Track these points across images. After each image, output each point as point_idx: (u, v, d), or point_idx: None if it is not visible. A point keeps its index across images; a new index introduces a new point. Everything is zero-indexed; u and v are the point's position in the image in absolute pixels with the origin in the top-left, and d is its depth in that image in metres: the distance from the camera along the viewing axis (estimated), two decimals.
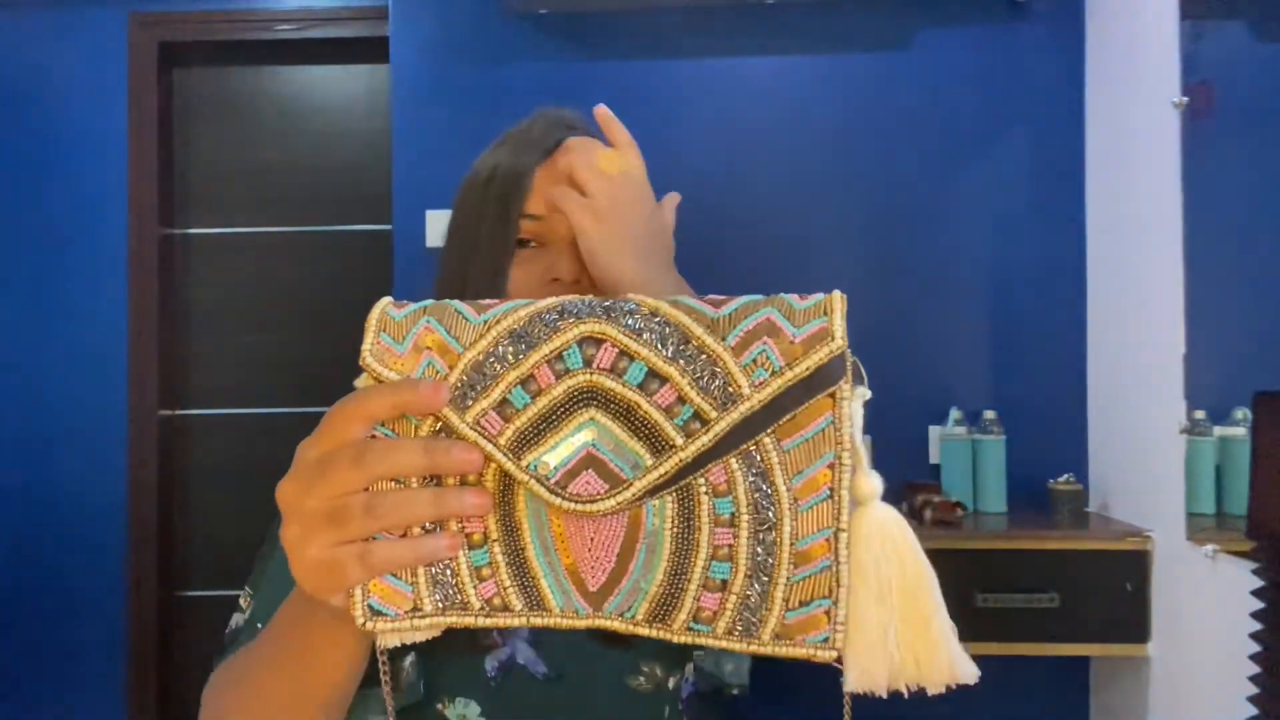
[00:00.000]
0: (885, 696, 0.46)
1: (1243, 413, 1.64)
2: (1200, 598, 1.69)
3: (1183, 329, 1.72)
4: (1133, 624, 1.86)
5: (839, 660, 0.46)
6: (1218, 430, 1.70)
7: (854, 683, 0.46)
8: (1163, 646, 1.83)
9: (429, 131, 2.40)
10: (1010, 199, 2.33)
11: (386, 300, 0.52)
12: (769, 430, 0.47)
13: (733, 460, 0.47)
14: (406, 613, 0.48)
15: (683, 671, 0.82)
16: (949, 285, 2.34)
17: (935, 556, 0.49)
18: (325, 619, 0.53)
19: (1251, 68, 1.72)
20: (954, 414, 2.21)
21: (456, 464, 0.47)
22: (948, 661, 0.46)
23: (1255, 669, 1.29)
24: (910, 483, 2.15)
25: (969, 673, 0.46)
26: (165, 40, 2.84)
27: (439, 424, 0.48)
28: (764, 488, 0.47)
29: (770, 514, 0.47)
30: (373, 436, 0.49)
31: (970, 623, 1.88)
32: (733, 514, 0.47)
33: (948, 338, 2.33)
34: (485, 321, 0.49)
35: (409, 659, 0.76)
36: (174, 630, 2.83)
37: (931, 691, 0.46)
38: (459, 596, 0.48)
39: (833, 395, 0.47)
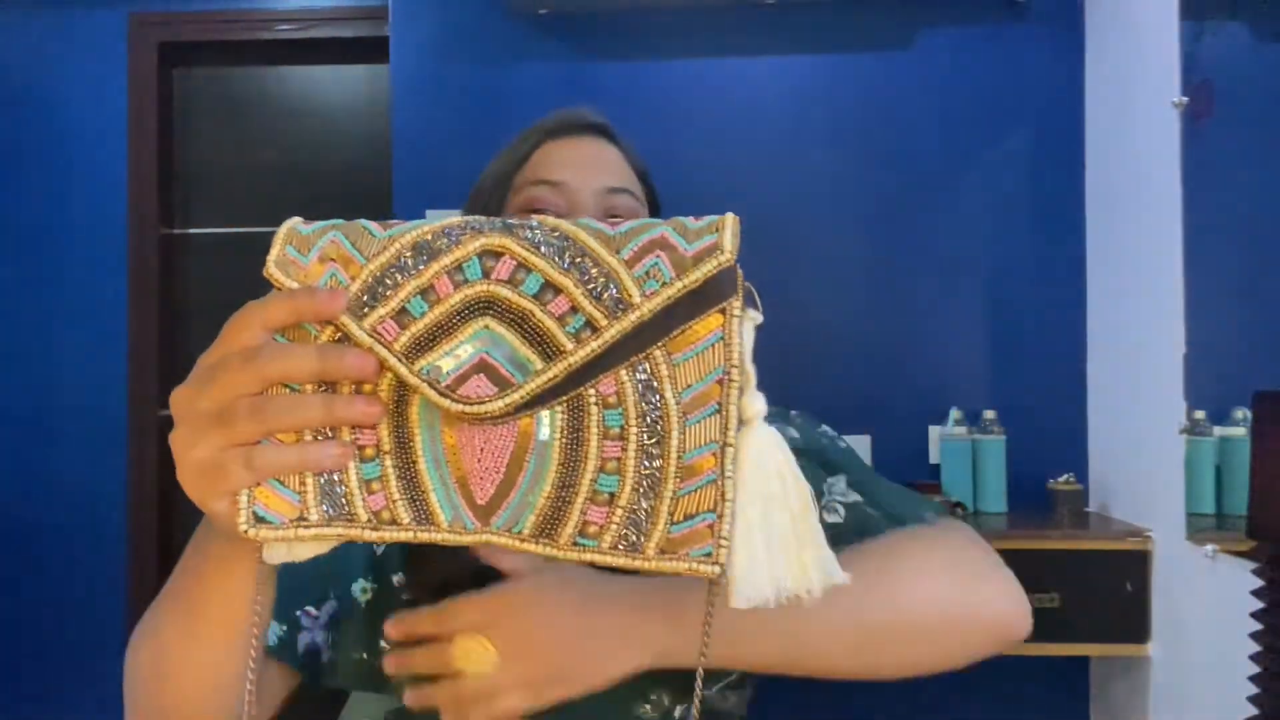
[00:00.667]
0: (772, 607, 0.46)
1: (1243, 413, 1.64)
2: (1200, 598, 1.69)
3: (1183, 329, 1.72)
4: (1133, 624, 1.86)
5: (719, 576, 0.45)
6: (1218, 430, 1.70)
7: (741, 598, 0.45)
8: (1163, 646, 1.83)
9: (429, 131, 2.40)
10: (1010, 199, 2.33)
11: (296, 219, 0.52)
12: (660, 344, 0.47)
13: (622, 372, 0.47)
14: (292, 521, 0.48)
15: (691, 700, 0.80)
16: (949, 285, 2.34)
17: None
18: (216, 548, 0.52)
19: (1251, 68, 1.72)
20: (954, 414, 2.21)
21: (350, 369, 0.47)
22: (823, 571, 0.47)
23: (1255, 669, 1.29)
24: (910, 483, 2.15)
25: (840, 576, 0.47)
26: (165, 40, 2.84)
27: (338, 333, 0.49)
28: (653, 400, 0.47)
29: (659, 427, 0.47)
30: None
31: None
32: (622, 426, 0.47)
33: (947, 337, 2.33)
34: (390, 235, 0.49)
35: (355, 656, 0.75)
36: None
37: (808, 601, 0.46)
38: (347, 508, 0.48)
39: (723, 311, 0.47)
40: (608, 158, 0.86)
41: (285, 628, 0.75)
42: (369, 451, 0.49)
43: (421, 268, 0.48)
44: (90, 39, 2.83)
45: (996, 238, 2.34)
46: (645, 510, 0.47)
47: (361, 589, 0.78)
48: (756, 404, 0.47)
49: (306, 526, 0.48)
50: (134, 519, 2.77)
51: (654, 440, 0.47)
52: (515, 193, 0.82)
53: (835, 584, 0.47)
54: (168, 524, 2.84)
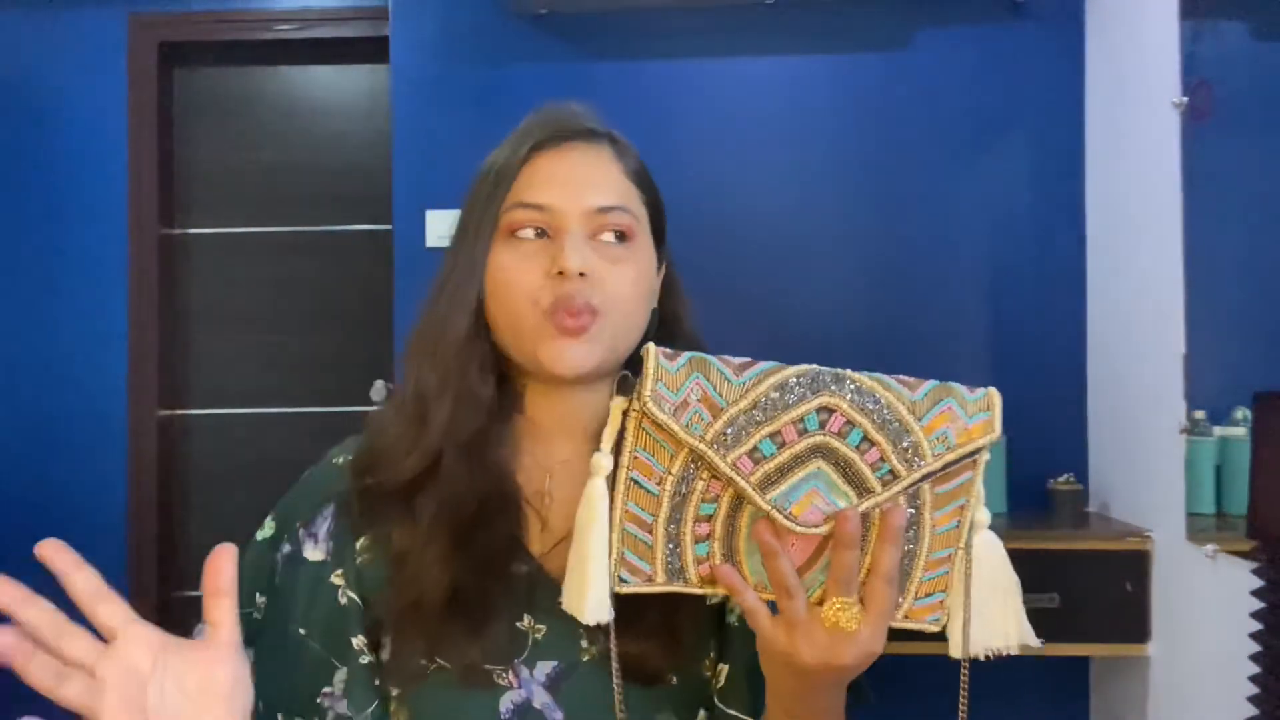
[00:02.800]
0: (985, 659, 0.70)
1: (1243, 413, 1.64)
2: (1200, 598, 1.69)
3: (1183, 329, 1.72)
4: (1133, 624, 1.86)
5: (942, 631, 0.70)
6: (1218, 430, 1.69)
7: (972, 649, 0.70)
8: (1163, 646, 1.83)
9: (429, 131, 2.40)
10: (1010, 199, 2.33)
11: (658, 350, 0.67)
12: (929, 480, 0.67)
13: (900, 497, 0.67)
14: (644, 580, 0.68)
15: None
16: (949, 285, 2.34)
17: None
18: None
19: (1251, 68, 1.72)
20: None
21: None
22: (1023, 634, 0.71)
23: (1255, 669, 1.29)
24: None
25: (1035, 640, 0.71)
26: (165, 40, 2.84)
27: (697, 460, 0.66)
28: (915, 517, 0.68)
29: (914, 532, 0.68)
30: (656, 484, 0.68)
31: None
32: None
33: (948, 338, 2.33)
34: (744, 384, 0.65)
35: (370, 709, 0.76)
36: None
37: (1012, 652, 0.71)
38: (682, 574, 0.68)
39: (974, 461, 0.68)
40: (598, 169, 0.82)
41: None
42: (701, 535, 0.68)
43: (769, 417, 0.64)
44: (90, 39, 2.83)
45: (996, 237, 2.34)
46: (901, 589, 0.68)
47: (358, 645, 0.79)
48: (985, 516, 0.70)
49: (653, 584, 0.68)
50: (134, 519, 2.77)
51: (911, 542, 0.68)
52: (505, 212, 0.80)
53: (1030, 645, 0.71)
54: (168, 524, 2.84)
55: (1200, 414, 1.71)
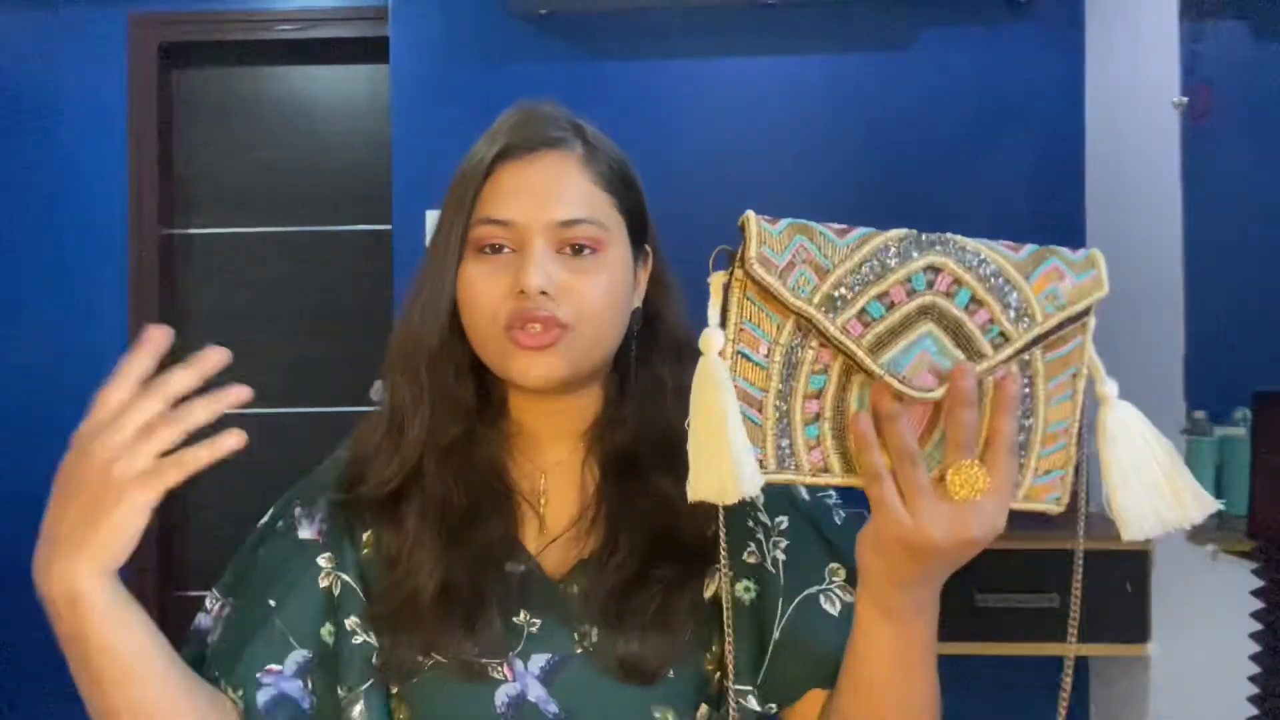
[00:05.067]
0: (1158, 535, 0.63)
1: (1243, 413, 1.64)
2: (1200, 598, 1.69)
3: (1183, 329, 1.72)
4: (1133, 624, 1.86)
5: (1066, 509, 0.65)
6: (1218, 430, 1.70)
7: (1131, 531, 0.62)
8: (1163, 646, 1.83)
9: (429, 131, 2.40)
10: (1010, 199, 2.33)
11: (757, 216, 0.65)
12: (1040, 344, 0.63)
13: (1013, 365, 0.63)
14: (759, 465, 0.62)
15: (695, 714, 0.80)
16: None
17: None
18: (102, 605, 0.69)
19: (1251, 68, 1.72)
20: None
21: (177, 389, 0.71)
22: (1196, 501, 0.63)
23: (1255, 669, 1.29)
24: None
25: (1210, 503, 0.63)
26: (165, 40, 2.84)
27: (808, 327, 0.62)
28: (1028, 387, 0.64)
29: (1028, 404, 0.64)
30: None
31: (970, 622, 1.88)
32: None
33: None
34: (849, 244, 0.62)
35: (357, 708, 0.77)
36: (174, 630, 2.83)
37: (1186, 526, 0.63)
38: (794, 460, 0.63)
39: (1083, 325, 0.65)
40: (563, 180, 0.79)
41: (241, 690, 0.77)
42: (810, 415, 0.63)
43: (877, 277, 0.61)
44: (90, 39, 2.83)
45: (996, 238, 2.33)
46: (1018, 465, 0.64)
47: (328, 631, 0.80)
48: (1110, 388, 0.66)
49: (767, 472, 0.62)
50: None
51: (1026, 415, 0.64)
52: (471, 227, 0.79)
53: (1211, 510, 0.63)
54: (167, 523, 2.84)
55: (1200, 414, 1.71)
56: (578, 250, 0.78)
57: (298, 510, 0.84)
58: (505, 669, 0.78)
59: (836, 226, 0.64)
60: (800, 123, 2.37)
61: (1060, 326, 0.63)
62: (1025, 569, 1.86)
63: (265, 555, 0.83)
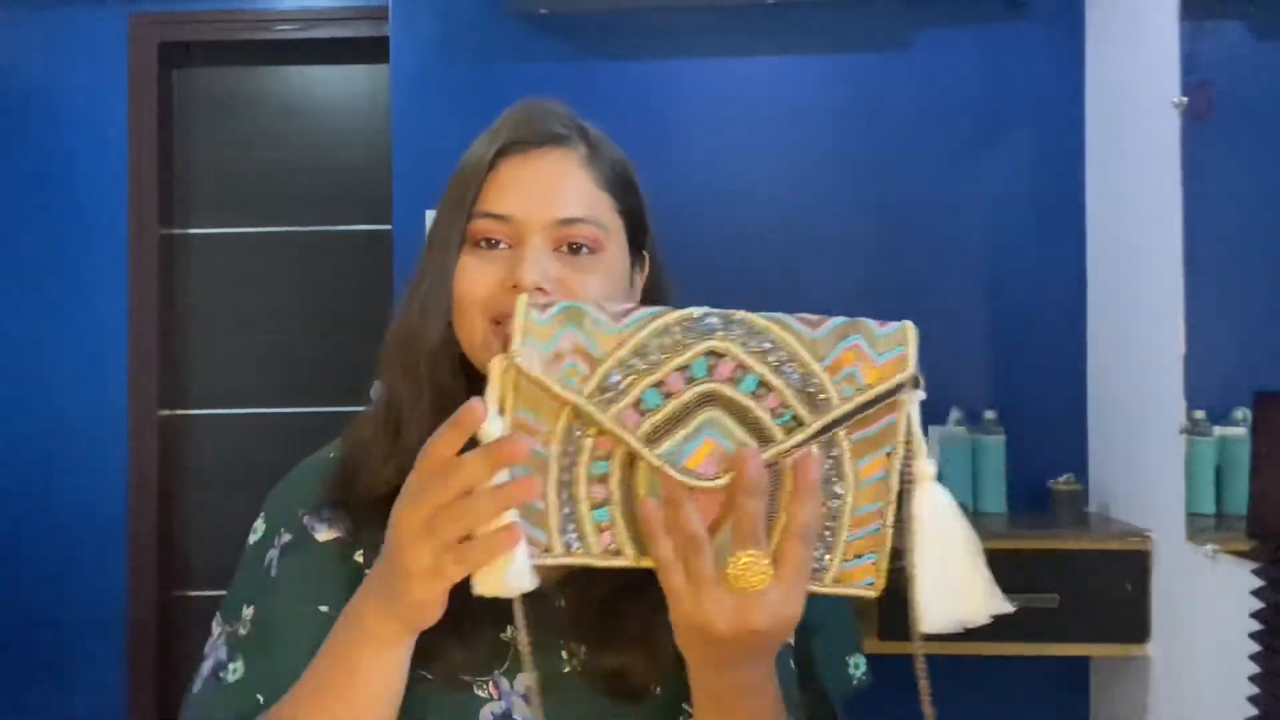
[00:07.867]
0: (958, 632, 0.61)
1: (1243, 413, 1.64)
2: (1200, 598, 1.69)
3: (1183, 329, 1.72)
4: (1133, 624, 1.86)
5: (878, 597, 0.62)
6: (1218, 430, 1.70)
7: (928, 623, 0.60)
8: (1163, 646, 1.83)
9: (429, 131, 2.40)
10: (1010, 199, 2.33)
11: (529, 300, 0.61)
12: (844, 426, 0.60)
13: (814, 447, 0.60)
14: (542, 552, 0.60)
15: None
16: (949, 285, 2.34)
17: None
18: (377, 631, 0.63)
19: (1251, 68, 1.72)
20: (954, 414, 2.21)
21: (508, 456, 0.58)
22: (988, 601, 0.62)
23: (1255, 669, 1.29)
24: None
25: (1004, 606, 0.62)
26: (165, 40, 2.84)
27: (581, 421, 0.60)
28: (834, 468, 0.61)
29: (837, 488, 0.61)
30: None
31: None
32: None
33: (947, 337, 2.33)
34: (620, 331, 0.60)
35: None
36: (174, 630, 2.83)
37: (977, 624, 0.61)
38: (582, 544, 0.61)
39: (894, 403, 0.61)
40: (565, 178, 0.79)
41: None
42: (598, 501, 0.61)
43: (653, 366, 0.59)
44: (90, 39, 2.83)
45: (996, 237, 2.34)
46: (824, 550, 0.61)
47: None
48: (928, 468, 0.62)
49: (553, 556, 0.61)
50: (134, 519, 2.77)
51: (833, 499, 0.61)
52: (471, 220, 0.78)
53: (1004, 611, 0.62)
54: (168, 524, 2.84)
55: (1200, 414, 1.71)
56: (575, 249, 0.77)
57: (305, 518, 0.81)
58: (491, 687, 0.76)
59: (615, 309, 0.61)
60: (800, 123, 2.37)
61: (863, 408, 0.60)
62: (1025, 569, 1.86)
63: (287, 567, 0.79)
